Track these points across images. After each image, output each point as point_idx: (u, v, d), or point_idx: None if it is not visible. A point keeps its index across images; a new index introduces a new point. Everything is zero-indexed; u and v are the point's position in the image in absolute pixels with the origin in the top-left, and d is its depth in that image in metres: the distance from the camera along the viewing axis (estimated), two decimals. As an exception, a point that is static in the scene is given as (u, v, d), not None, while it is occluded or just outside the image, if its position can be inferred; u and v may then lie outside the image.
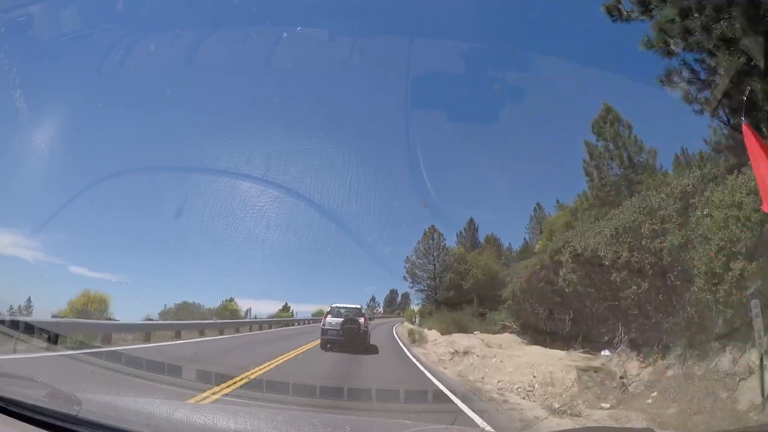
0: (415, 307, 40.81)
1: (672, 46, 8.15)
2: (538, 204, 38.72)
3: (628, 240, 8.93)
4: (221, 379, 6.52)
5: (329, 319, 13.98)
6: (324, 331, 13.74)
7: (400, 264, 37.22)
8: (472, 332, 19.51)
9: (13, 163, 23.90)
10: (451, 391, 7.71)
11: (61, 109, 21.14)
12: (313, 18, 28.94)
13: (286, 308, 42.12)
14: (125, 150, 35.15)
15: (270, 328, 26.51)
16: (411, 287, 38.15)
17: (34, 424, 1.75)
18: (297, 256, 46.64)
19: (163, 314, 27.55)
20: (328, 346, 13.34)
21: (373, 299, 64.69)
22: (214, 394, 5.77)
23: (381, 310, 64.48)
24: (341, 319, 13.76)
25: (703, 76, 8.41)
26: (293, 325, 32.36)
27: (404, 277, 37.28)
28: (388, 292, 67.45)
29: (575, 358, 10.07)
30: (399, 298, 65.98)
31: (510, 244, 42.86)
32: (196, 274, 53.99)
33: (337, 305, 14.92)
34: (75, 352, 8.67)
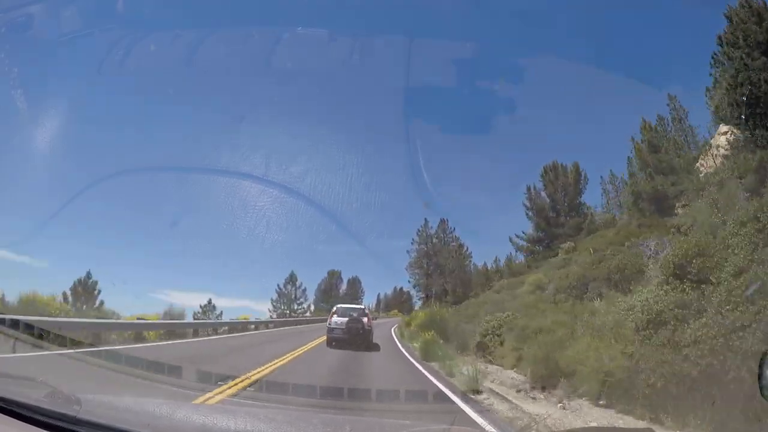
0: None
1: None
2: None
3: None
4: (222, 379, 6.52)
5: (335, 318, 14.72)
6: (330, 330, 14.52)
7: (398, 263, 33.39)
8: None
9: (13, 163, 23.91)
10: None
11: (61, 109, 21.14)
12: (313, 18, 29.03)
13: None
14: (125, 149, 35.15)
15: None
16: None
17: (34, 424, 1.76)
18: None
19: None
20: (334, 343, 13.92)
21: (291, 279, 35.91)
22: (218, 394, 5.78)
23: (308, 306, 36.77)
24: (346, 319, 14.48)
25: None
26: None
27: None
28: (326, 275, 39.93)
29: None
30: (344, 286, 40.88)
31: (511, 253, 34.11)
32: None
33: (343, 306, 16.08)
34: (73, 351, 8.67)
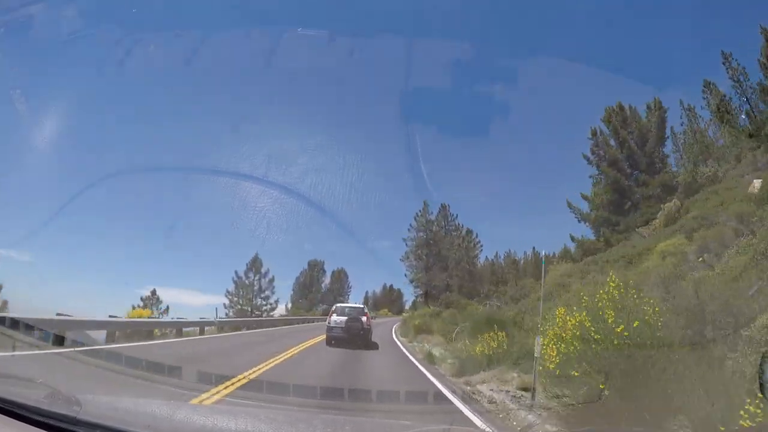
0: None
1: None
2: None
3: None
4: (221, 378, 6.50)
5: (334, 317, 14.97)
6: (329, 329, 14.77)
7: (388, 259, 29.80)
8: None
9: (12, 162, 23.95)
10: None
11: (61, 110, 21.17)
12: (313, 18, 29.05)
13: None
14: (124, 150, 35.13)
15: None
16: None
17: (34, 425, 1.75)
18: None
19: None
20: (333, 342, 14.15)
21: (254, 265, 27.48)
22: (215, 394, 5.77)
23: (283, 305, 29.95)
24: (345, 318, 14.75)
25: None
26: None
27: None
28: (306, 267, 31.17)
29: None
30: (327, 279, 32.91)
31: (511, 250, 32.60)
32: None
33: (342, 305, 16.43)
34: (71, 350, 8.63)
